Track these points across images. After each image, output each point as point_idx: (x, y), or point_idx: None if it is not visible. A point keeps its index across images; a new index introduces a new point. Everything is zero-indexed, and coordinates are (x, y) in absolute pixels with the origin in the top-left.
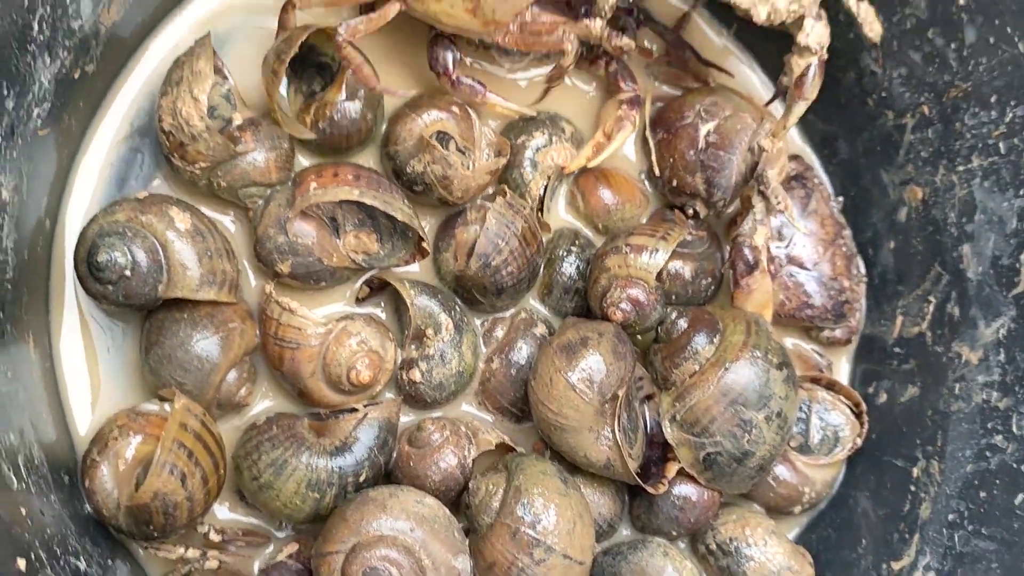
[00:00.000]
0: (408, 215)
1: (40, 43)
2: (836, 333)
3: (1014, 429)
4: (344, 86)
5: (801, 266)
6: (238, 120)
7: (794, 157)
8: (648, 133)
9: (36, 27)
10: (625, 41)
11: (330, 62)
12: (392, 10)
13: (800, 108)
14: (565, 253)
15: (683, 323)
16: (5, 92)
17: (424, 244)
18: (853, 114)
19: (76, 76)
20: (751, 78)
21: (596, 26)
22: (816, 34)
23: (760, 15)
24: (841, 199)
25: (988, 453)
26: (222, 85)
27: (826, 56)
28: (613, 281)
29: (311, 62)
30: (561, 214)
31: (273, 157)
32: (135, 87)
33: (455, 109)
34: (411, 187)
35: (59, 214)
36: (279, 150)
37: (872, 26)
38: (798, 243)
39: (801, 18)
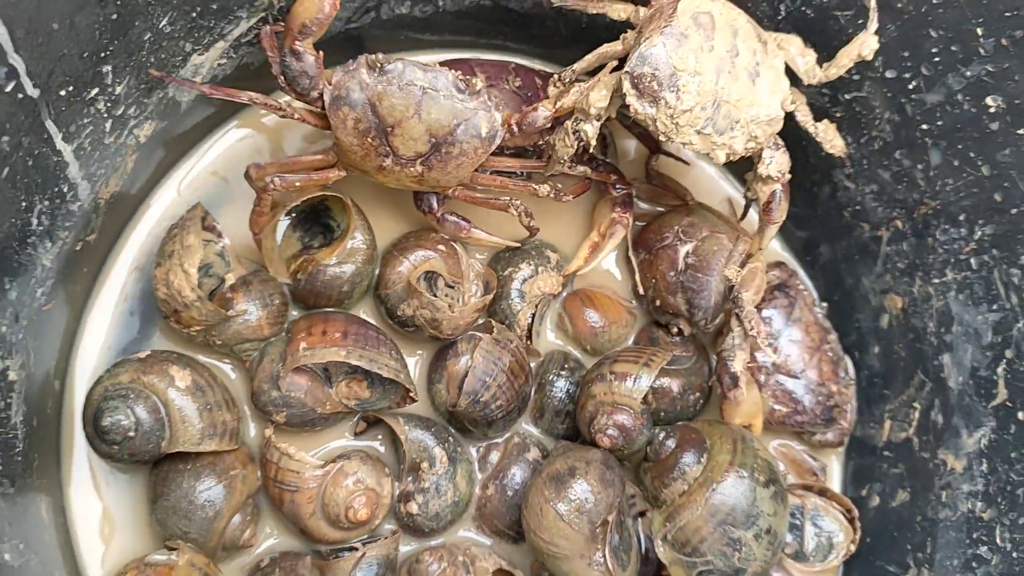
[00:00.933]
0: (394, 370)
1: (40, 233)
2: (828, 436)
3: (998, 541)
4: (336, 255)
5: (788, 374)
6: (231, 280)
7: (777, 264)
8: (631, 253)
9: (35, 221)
10: (580, 169)
11: (334, 226)
12: (333, 176)
13: (771, 231)
14: (555, 377)
15: (671, 443)
16: (7, 286)
17: (412, 394)
18: (831, 224)
19: (78, 248)
20: (723, 186)
21: (543, 191)
22: (776, 163)
23: (719, 157)
24: (825, 304)
25: (975, 564)
26: (216, 243)
27: (788, 179)
28: (599, 407)
29: (319, 217)
30: (550, 337)
31: (265, 314)
32: (135, 247)
33: (441, 247)
34: (403, 327)
35: (67, 374)
36: (270, 307)
37: (833, 144)
38: (784, 351)
39: (760, 150)
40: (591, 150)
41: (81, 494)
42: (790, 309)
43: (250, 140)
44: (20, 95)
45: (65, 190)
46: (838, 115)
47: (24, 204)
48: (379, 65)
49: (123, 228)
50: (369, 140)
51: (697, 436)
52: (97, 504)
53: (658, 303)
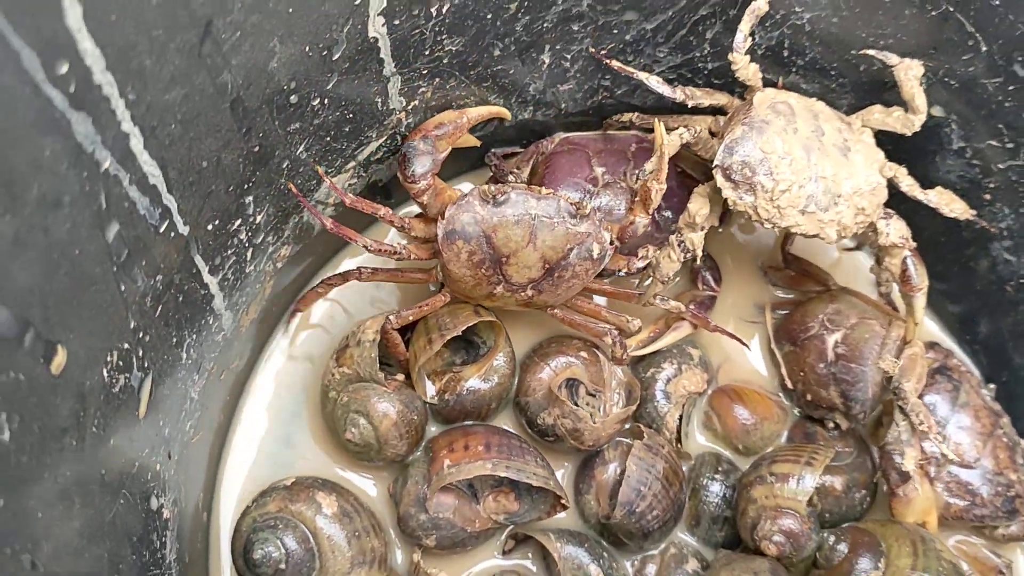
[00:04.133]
0: (542, 478)
1: (189, 366)
2: (1012, 529)
3: None
4: (483, 373)
5: (962, 464)
6: (399, 377)
7: (931, 345)
8: (774, 346)
9: (184, 355)
10: (672, 304)
11: (480, 343)
12: (439, 301)
13: (920, 302)
14: (708, 481)
15: (843, 548)
16: (161, 422)
17: (563, 501)
18: (992, 300)
19: (222, 377)
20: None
21: (634, 324)
22: (895, 230)
23: (831, 236)
24: (993, 386)
25: None
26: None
27: (914, 245)
28: (762, 512)
29: (464, 335)
30: (698, 438)
31: (397, 411)
32: (273, 370)
33: (584, 354)
34: (543, 437)
35: (213, 505)
36: (407, 415)
37: (951, 208)
38: (955, 440)
39: (871, 225)
40: (699, 262)
41: None
42: (955, 393)
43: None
44: (172, 233)
45: (211, 321)
46: (992, 185)
47: (175, 339)
48: (492, 197)
49: (261, 353)
50: (483, 271)
51: (871, 539)
52: None
53: (809, 397)
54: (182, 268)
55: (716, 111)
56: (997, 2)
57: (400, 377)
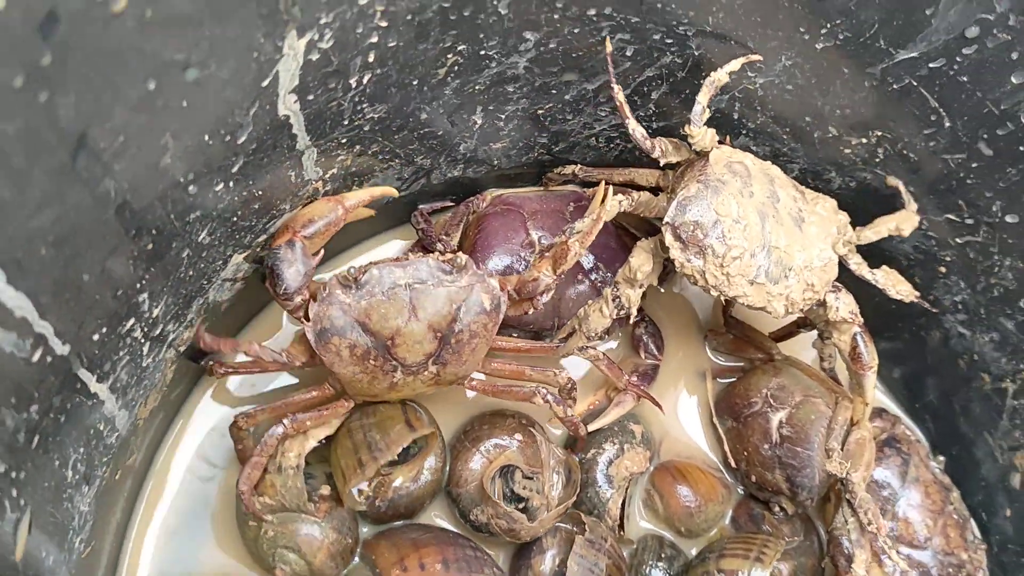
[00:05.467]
0: None
1: (76, 483)
2: None
3: None
4: (412, 472)
5: (912, 544)
6: (324, 491)
7: (879, 412)
8: (715, 420)
9: (70, 474)
10: (592, 352)
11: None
12: (343, 409)
13: (870, 381)
14: (651, 569)
15: None
16: (43, 553)
17: None
18: (944, 372)
19: (116, 478)
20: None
21: (562, 377)
22: (844, 305)
23: (777, 310)
24: (942, 459)
25: None
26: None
27: (862, 320)
28: None
29: None
30: (638, 520)
31: (331, 541)
32: (179, 453)
33: (518, 435)
34: (477, 531)
35: None
36: (341, 541)
37: (898, 290)
38: (904, 518)
39: (820, 302)
40: (631, 321)
41: None
42: (904, 468)
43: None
44: (49, 358)
45: (101, 427)
46: (948, 259)
47: (57, 462)
48: (354, 280)
49: (163, 438)
50: (372, 363)
51: None
52: None
53: (754, 479)
54: (62, 389)
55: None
56: (964, 79)
57: (326, 491)
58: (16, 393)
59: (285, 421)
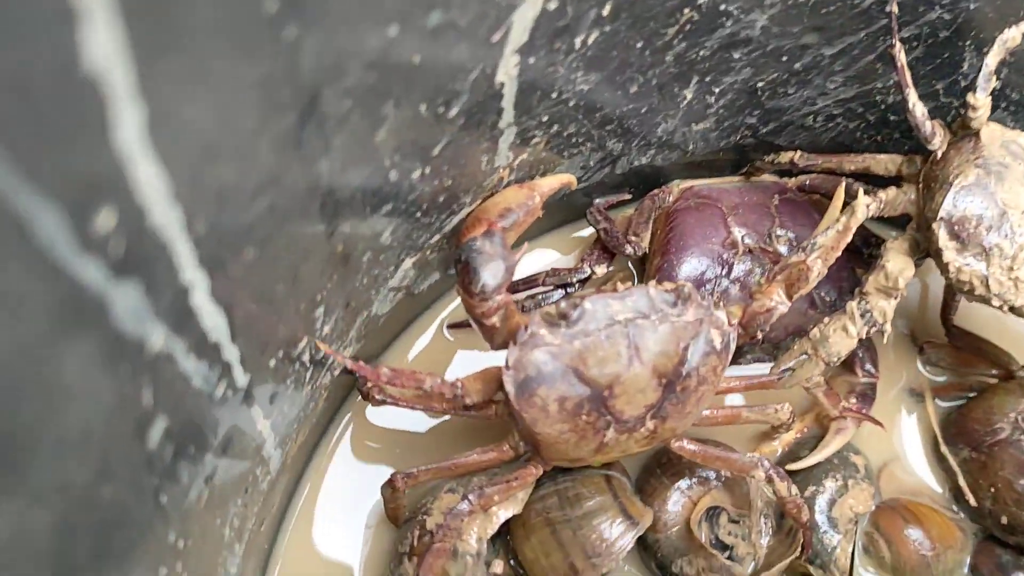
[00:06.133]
0: None
1: (230, 542)
2: None
3: None
4: None
5: None
6: (498, 569)
7: None
8: (944, 449)
9: (227, 532)
10: (814, 381)
11: None
12: (532, 477)
13: None
14: None
15: None
16: None
17: None
18: None
19: (261, 529)
20: None
21: (785, 412)
22: None
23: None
24: None
25: None
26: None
27: None
28: None
29: None
30: (860, 571)
31: None
32: (312, 512)
33: (723, 472)
34: None
35: None
36: None
37: None
38: None
39: None
40: (885, 338)
41: None
42: None
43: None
44: (230, 393)
45: (259, 472)
46: None
47: (219, 521)
48: (562, 316)
49: (301, 477)
50: (583, 419)
51: None
52: None
53: (1006, 520)
54: (234, 432)
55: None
56: None
57: (499, 569)
58: (196, 441)
59: (471, 496)
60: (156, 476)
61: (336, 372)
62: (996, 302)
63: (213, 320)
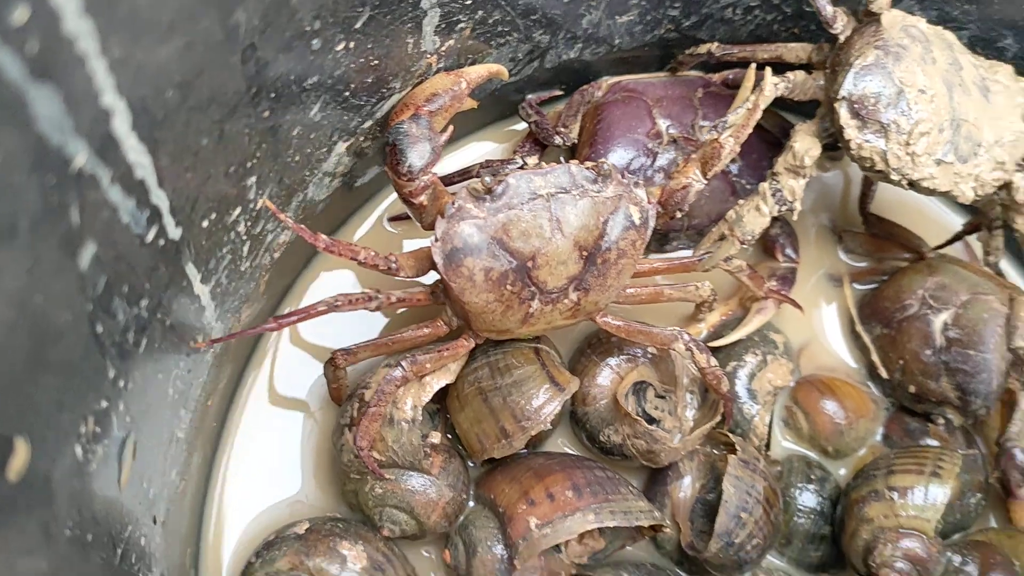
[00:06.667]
0: (650, 512)
1: (174, 402)
2: None
3: None
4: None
5: None
6: (435, 439)
7: None
8: (860, 328)
9: (171, 390)
10: (735, 264)
11: None
12: (464, 350)
13: None
14: (800, 492)
15: (972, 570)
16: (145, 484)
17: (665, 528)
18: None
19: (209, 404)
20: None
21: (705, 290)
22: None
23: (966, 194)
24: None
25: None
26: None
27: None
28: (879, 535)
29: None
30: (780, 441)
31: (446, 500)
32: (264, 381)
33: (650, 349)
34: (607, 454)
35: (201, 560)
36: (457, 499)
37: None
38: None
39: (1007, 184)
40: (795, 217)
41: None
42: None
43: (381, 236)
44: (162, 241)
45: (200, 340)
46: None
47: (161, 375)
48: (488, 190)
49: (249, 362)
50: (509, 288)
51: (1001, 556)
52: None
53: (913, 390)
54: (171, 283)
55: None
56: None
57: (437, 439)
58: (129, 280)
59: (404, 363)
60: (89, 301)
61: (276, 254)
62: (895, 176)
63: (137, 156)
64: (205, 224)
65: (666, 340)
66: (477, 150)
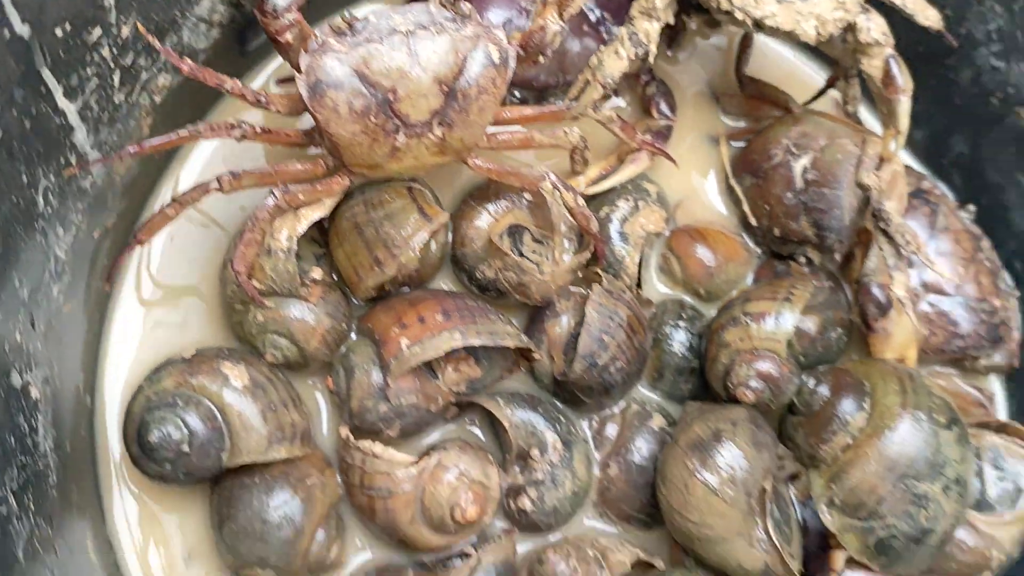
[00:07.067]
0: (516, 335)
1: (48, 216)
2: (995, 359)
3: None
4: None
5: (941, 292)
6: (316, 275)
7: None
8: (732, 181)
9: (42, 201)
10: (606, 113)
11: None
12: (339, 187)
13: (905, 106)
14: (672, 329)
15: (824, 390)
16: (17, 283)
17: (535, 354)
18: (973, 114)
19: (96, 235)
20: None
21: (574, 136)
22: (876, 26)
23: (808, 33)
24: (973, 208)
25: None
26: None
27: (894, 43)
28: (735, 357)
29: None
30: (656, 285)
31: (325, 327)
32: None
33: (527, 195)
34: (484, 292)
35: (97, 387)
36: (336, 327)
37: (926, 15)
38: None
39: (851, 25)
40: (651, 60)
41: (132, 528)
42: (933, 217)
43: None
44: (6, 32)
45: (73, 160)
46: None
47: (26, 179)
48: (349, 26)
49: (143, 212)
50: (373, 120)
51: (853, 380)
52: (154, 538)
53: (777, 232)
54: (24, 82)
55: None
56: None
57: (317, 275)
58: None
59: (276, 191)
60: None
61: (157, 97)
62: (739, 15)
63: None
64: (59, 33)
65: (534, 180)
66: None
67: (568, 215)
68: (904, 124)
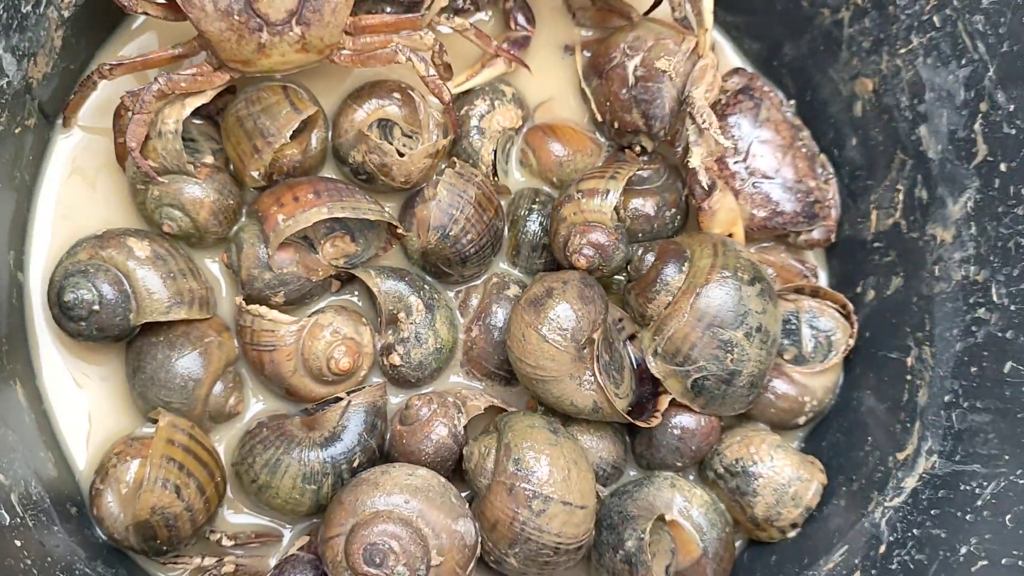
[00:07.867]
0: (378, 211)
1: None
2: (814, 235)
3: (994, 299)
4: (302, 145)
5: (763, 176)
6: (208, 160)
7: (736, 71)
8: (583, 84)
9: None
10: (458, 22)
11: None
12: (219, 80)
13: (707, 4)
14: (527, 212)
15: (650, 257)
16: None
17: (399, 230)
18: (791, 19)
19: (17, 132)
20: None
21: (428, 39)
22: None
23: None
24: (793, 102)
25: (974, 328)
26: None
27: None
28: (571, 229)
29: None
30: (515, 176)
31: (212, 200)
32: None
33: (396, 95)
34: (356, 176)
35: (25, 263)
36: (223, 201)
37: None
38: (756, 153)
39: None
40: None
41: (56, 382)
42: (756, 111)
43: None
44: None
45: None
46: None
47: None
48: None
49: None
50: (236, 18)
51: (676, 248)
52: (76, 388)
53: (616, 125)
54: None
55: None
56: None
57: (209, 159)
58: None
59: (160, 79)
60: None
61: (65, 12)
62: None
63: None
64: None
65: (391, 56)
66: None
67: (435, 113)
68: (708, 20)
